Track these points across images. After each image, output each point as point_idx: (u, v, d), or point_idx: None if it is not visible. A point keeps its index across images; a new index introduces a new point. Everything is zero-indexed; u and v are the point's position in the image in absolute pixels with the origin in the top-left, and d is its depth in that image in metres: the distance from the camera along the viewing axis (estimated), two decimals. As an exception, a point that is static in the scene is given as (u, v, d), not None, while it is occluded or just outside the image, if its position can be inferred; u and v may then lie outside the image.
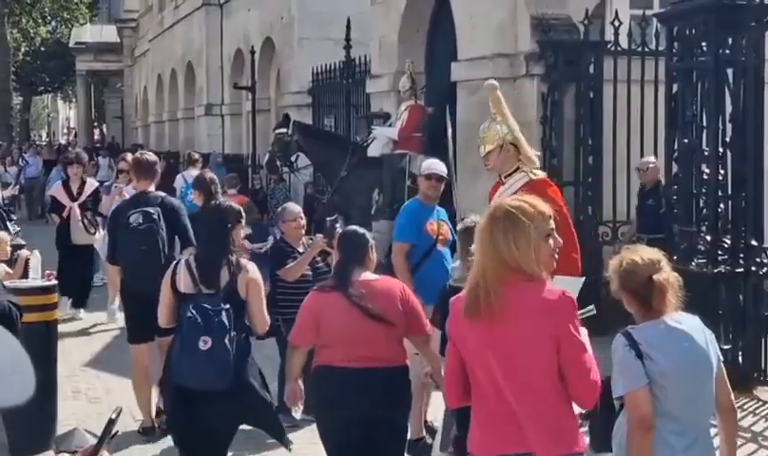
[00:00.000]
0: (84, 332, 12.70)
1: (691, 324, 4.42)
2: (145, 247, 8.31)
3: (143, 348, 8.51)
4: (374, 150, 14.76)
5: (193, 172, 18.62)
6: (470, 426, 4.27)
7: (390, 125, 14.82)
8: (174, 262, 6.27)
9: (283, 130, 15.29)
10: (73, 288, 13.13)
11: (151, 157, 9.20)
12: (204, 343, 5.74)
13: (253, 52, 22.87)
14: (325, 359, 5.80)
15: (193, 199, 10.38)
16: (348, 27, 17.66)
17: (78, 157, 14.24)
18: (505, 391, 4.02)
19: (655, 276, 4.38)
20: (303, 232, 8.79)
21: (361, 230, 6.33)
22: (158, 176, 8.98)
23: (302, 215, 8.78)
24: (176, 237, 8.53)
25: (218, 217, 6.33)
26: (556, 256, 4.21)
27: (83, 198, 13.31)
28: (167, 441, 7.72)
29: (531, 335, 3.98)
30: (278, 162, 15.55)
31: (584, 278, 6.76)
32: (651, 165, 11.81)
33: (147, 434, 8.38)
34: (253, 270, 6.05)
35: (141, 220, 8.38)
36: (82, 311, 13.49)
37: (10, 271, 9.74)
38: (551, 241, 4.12)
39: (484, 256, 4.07)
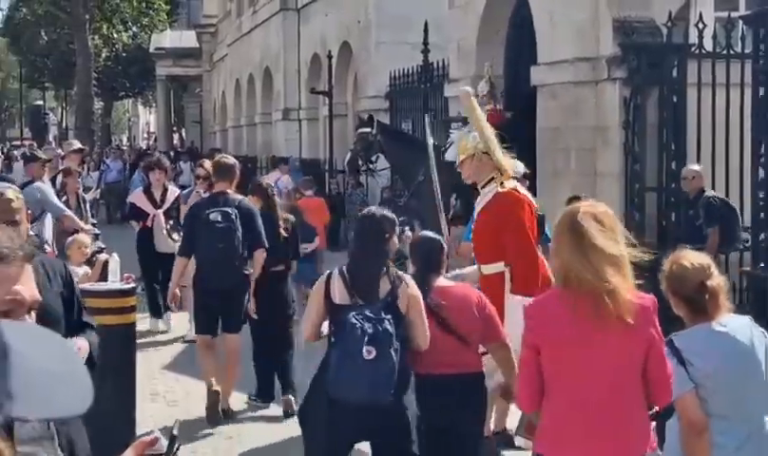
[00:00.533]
0: (163, 335, 12.72)
1: (737, 325, 4.50)
2: (223, 245, 8.75)
3: (210, 340, 9.08)
4: (452, 154, 14.63)
5: (275, 175, 18.64)
6: (542, 425, 4.30)
7: (468, 130, 14.68)
8: (327, 273, 5.82)
9: (367, 130, 15.23)
10: (154, 296, 12.91)
11: (230, 159, 9.71)
12: (368, 352, 5.34)
13: (330, 57, 22.89)
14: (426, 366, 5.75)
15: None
16: (426, 30, 17.55)
17: (159, 162, 13.73)
18: (587, 392, 4.10)
19: (708, 282, 4.43)
20: None
21: (434, 235, 6.28)
22: (236, 178, 9.36)
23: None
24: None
25: (374, 226, 5.85)
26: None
27: (166, 205, 12.74)
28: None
29: (630, 338, 4.08)
30: (360, 162, 15.48)
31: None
32: (695, 174, 11.33)
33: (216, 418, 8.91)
34: (413, 285, 5.67)
35: (219, 219, 8.81)
36: (161, 322, 12.96)
37: (89, 271, 9.83)
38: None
39: (567, 258, 4.13)
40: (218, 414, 8.84)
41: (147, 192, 13.08)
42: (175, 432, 2.08)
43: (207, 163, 11.98)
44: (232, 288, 8.92)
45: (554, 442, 4.22)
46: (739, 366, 4.43)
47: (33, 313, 2.30)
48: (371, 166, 15.60)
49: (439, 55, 17.12)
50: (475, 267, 7.64)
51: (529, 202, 7.25)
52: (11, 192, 5.31)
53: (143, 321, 11.66)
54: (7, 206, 5.12)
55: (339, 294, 5.61)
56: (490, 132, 7.35)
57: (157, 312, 12.98)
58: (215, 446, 8.34)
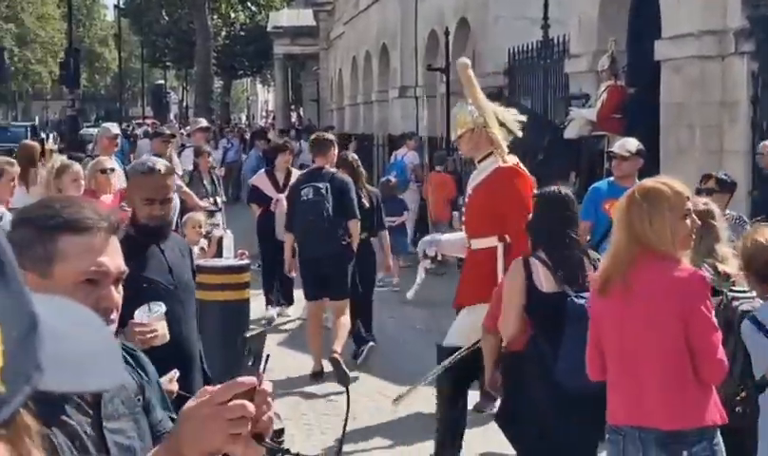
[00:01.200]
0: (280, 313, 12.76)
1: None
2: (312, 218, 9.47)
3: (317, 304, 9.94)
4: (571, 132, 14.42)
5: (402, 151, 18.63)
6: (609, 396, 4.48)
7: (589, 107, 14.44)
8: (521, 260, 5.57)
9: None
10: (271, 286, 12.41)
11: (329, 136, 10.73)
12: None
13: (447, 33, 22.69)
14: (519, 346, 5.60)
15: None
16: (546, 5, 17.27)
17: (286, 145, 13.22)
18: (630, 366, 4.27)
19: None
20: None
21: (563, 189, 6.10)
22: (333, 154, 10.17)
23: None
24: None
25: (566, 207, 5.59)
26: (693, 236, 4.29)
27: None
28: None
29: (658, 313, 4.18)
30: None
31: None
32: None
33: (316, 378, 9.68)
34: None
35: (310, 194, 9.55)
36: (291, 308, 12.65)
37: (205, 246, 9.96)
38: (688, 221, 4.22)
39: (619, 235, 4.30)
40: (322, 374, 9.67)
41: (270, 175, 12.29)
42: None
43: None
44: (327, 257, 9.55)
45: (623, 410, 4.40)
46: None
47: (120, 286, 2.29)
48: None
49: (559, 30, 16.83)
50: (456, 235, 7.52)
51: (530, 180, 7.08)
52: (163, 166, 4.98)
53: (256, 303, 11.55)
54: (162, 182, 4.85)
55: (546, 283, 5.42)
56: (489, 106, 7.13)
57: (272, 301, 12.55)
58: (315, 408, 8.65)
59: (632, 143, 8.88)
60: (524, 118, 7.65)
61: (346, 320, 9.72)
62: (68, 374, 0.97)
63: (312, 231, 9.53)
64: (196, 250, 9.56)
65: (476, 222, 7.07)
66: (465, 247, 7.28)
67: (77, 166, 8.95)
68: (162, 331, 3.94)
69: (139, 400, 2.41)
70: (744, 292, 4.98)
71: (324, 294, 9.86)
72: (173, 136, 13.16)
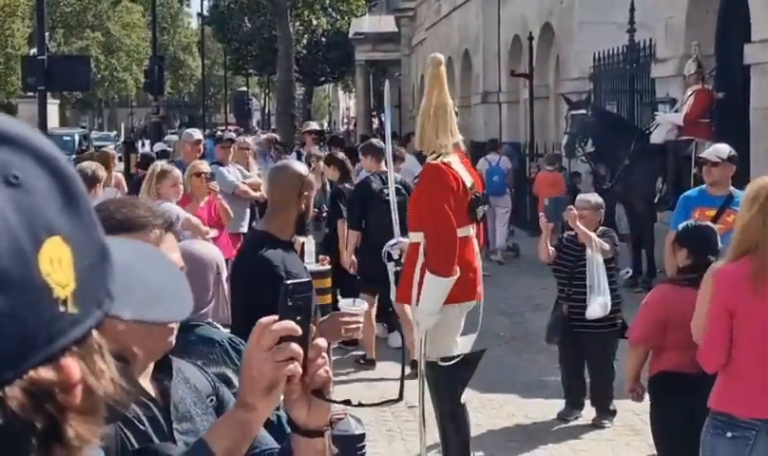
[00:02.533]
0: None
1: None
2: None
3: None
4: (657, 137, 14.26)
5: (494, 157, 18.56)
6: (723, 385, 4.50)
7: (675, 111, 14.26)
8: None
9: (582, 111, 14.96)
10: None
11: (378, 143, 11.06)
12: None
13: (531, 38, 22.57)
14: (673, 364, 5.49)
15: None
16: (632, 9, 17.09)
17: (398, 152, 12.31)
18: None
19: None
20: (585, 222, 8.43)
21: (710, 224, 6.00)
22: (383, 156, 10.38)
23: (593, 207, 8.42)
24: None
25: None
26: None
27: None
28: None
29: None
30: (577, 145, 15.22)
31: (454, 278, 6.39)
32: None
33: (369, 364, 10.15)
34: None
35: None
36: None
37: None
38: None
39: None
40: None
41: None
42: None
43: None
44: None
45: (745, 401, 4.42)
46: None
47: None
48: (585, 148, 15.32)
49: (645, 35, 16.64)
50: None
51: (458, 178, 6.69)
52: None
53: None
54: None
55: None
56: (440, 108, 6.89)
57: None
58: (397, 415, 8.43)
59: (723, 149, 8.73)
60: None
61: None
62: (137, 304, 1.06)
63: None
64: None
65: (411, 216, 7.00)
66: None
67: (177, 171, 9.02)
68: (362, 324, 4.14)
69: (211, 401, 2.44)
70: None
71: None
72: (232, 141, 13.08)
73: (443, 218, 6.56)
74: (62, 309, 0.89)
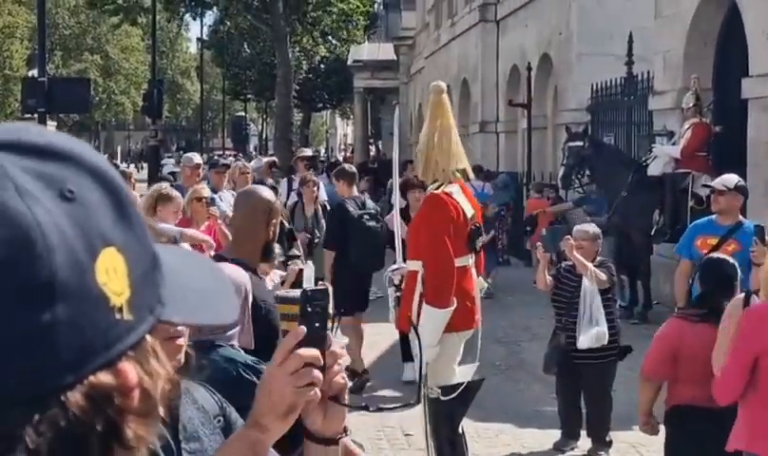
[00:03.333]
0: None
1: None
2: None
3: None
4: (654, 169, 14.32)
5: (477, 183, 18.70)
6: (753, 424, 4.44)
7: (673, 144, 14.34)
8: (743, 296, 5.27)
9: (579, 143, 15.03)
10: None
11: (351, 168, 12.07)
12: None
13: (529, 69, 22.70)
14: (686, 398, 5.52)
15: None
16: (630, 41, 17.19)
17: (417, 181, 12.64)
18: None
19: None
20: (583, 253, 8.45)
21: (730, 259, 6.02)
22: (355, 182, 11.49)
23: (591, 237, 8.44)
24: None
25: None
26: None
27: None
28: None
29: None
30: (573, 176, 15.29)
31: (451, 309, 6.43)
32: None
33: (359, 376, 10.34)
34: None
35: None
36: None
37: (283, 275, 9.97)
38: None
39: None
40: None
41: (404, 215, 11.18)
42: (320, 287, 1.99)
43: None
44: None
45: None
46: None
47: None
48: (582, 180, 15.40)
49: (643, 67, 16.74)
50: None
51: (458, 209, 6.76)
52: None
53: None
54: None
55: None
56: (444, 136, 6.91)
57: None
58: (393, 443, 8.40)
59: (731, 179, 8.80)
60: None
61: None
62: (187, 309, 1.10)
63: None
64: (276, 280, 9.61)
65: (410, 244, 7.04)
66: None
67: (180, 199, 9.03)
68: None
69: (219, 421, 2.44)
70: None
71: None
72: (227, 167, 13.14)
73: (442, 249, 6.61)
74: (118, 316, 0.94)
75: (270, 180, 14.97)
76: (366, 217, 10.81)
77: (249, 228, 5.08)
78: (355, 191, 11.33)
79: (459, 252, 6.66)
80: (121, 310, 0.95)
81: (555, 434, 8.68)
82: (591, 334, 8.07)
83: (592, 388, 8.36)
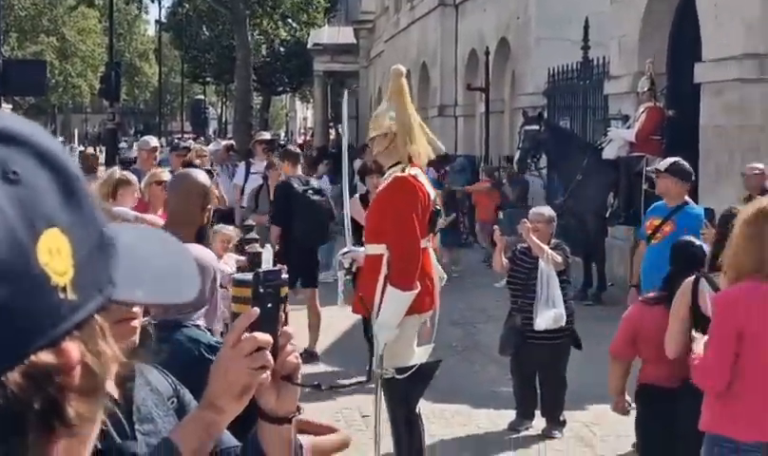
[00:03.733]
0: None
1: None
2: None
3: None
4: (609, 153, 14.45)
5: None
6: (722, 407, 4.42)
7: (628, 127, 14.48)
8: (693, 279, 5.38)
9: (536, 127, 15.14)
10: None
11: (295, 149, 13.54)
12: None
13: (487, 53, 22.80)
14: (651, 377, 5.64)
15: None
16: (586, 26, 17.34)
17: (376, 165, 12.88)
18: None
19: None
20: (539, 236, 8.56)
21: (697, 241, 6.10)
22: (299, 162, 12.31)
23: (546, 219, 8.56)
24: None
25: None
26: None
27: None
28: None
29: None
30: (529, 160, 15.41)
31: (415, 291, 6.49)
32: (757, 171, 10.38)
33: (311, 358, 10.61)
34: None
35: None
36: None
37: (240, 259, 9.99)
38: None
39: None
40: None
41: (364, 200, 11.11)
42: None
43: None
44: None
45: (749, 424, 4.37)
46: None
47: None
48: (536, 164, 15.53)
49: (600, 52, 16.89)
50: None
51: (424, 191, 6.80)
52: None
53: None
54: None
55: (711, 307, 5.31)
56: (411, 118, 6.95)
57: None
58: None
59: (666, 162, 8.94)
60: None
61: None
62: (145, 287, 1.11)
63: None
64: (232, 264, 9.64)
65: (370, 227, 6.99)
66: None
67: (137, 184, 9.00)
68: None
69: (172, 402, 2.46)
70: None
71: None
72: (188, 149, 13.14)
73: (410, 231, 6.64)
74: (61, 296, 0.95)
75: (227, 164, 14.96)
76: (310, 192, 11.43)
77: (183, 211, 5.04)
78: (299, 170, 12.17)
79: (422, 234, 6.73)
80: (65, 289, 0.95)
81: (510, 414, 8.79)
82: (549, 316, 8.18)
83: (546, 368, 8.48)
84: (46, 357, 0.94)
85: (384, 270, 6.68)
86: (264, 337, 1.87)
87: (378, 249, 6.79)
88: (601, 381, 9.78)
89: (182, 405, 2.48)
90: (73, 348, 0.96)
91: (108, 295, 1.02)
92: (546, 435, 8.53)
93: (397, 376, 6.73)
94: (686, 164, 8.88)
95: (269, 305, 1.89)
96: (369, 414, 8.94)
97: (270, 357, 1.87)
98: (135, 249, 1.11)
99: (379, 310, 6.59)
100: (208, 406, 1.95)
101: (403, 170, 6.78)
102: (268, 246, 10.33)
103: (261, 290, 1.90)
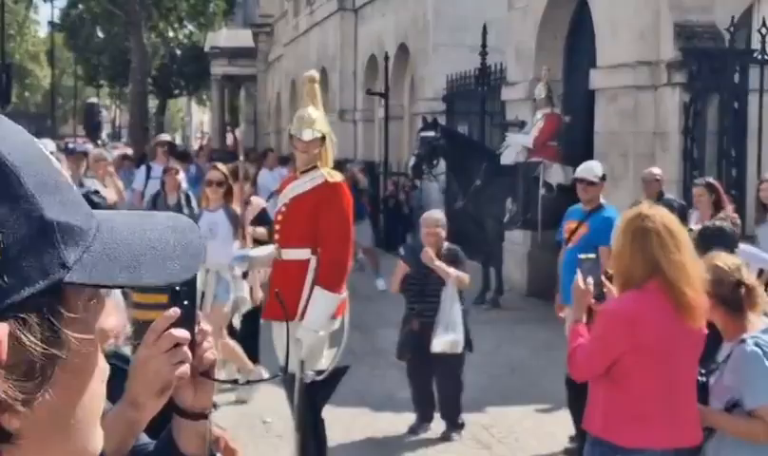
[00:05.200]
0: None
1: None
2: None
3: None
4: (507, 158, 14.61)
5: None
6: (615, 413, 4.45)
7: (525, 133, 14.66)
8: None
9: (431, 133, 15.22)
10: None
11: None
12: None
13: (387, 58, 22.88)
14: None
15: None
16: (484, 33, 17.50)
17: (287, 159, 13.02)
18: (674, 384, 4.36)
19: (745, 280, 4.45)
20: (436, 239, 8.62)
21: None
22: None
23: (441, 224, 8.64)
24: None
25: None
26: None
27: None
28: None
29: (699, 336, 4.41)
30: (424, 166, 15.49)
31: (343, 295, 6.67)
32: (657, 178, 10.70)
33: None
34: None
35: None
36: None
37: None
38: None
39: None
40: None
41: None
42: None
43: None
44: None
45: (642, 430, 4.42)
46: None
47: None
48: (432, 170, 15.61)
49: (497, 58, 17.07)
50: (266, 249, 7.59)
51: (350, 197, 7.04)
52: None
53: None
54: None
55: None
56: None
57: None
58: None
59: (591, 166, 9.08)
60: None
61: None
62: (123, 269, 1.11)
63: None
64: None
65: (293, 232, 6.93)
66: (272, 259, 7.21)
67: None
68: None
69: None
70: None
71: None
72: (85, 154, 12.93)
73: (348, 235, 6.77)
74: None
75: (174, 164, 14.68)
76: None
77: None
78: None
79: None
80: None
81: (410, 418, 8.83)
82: (446, 341, 8.30)
83: (443, 372, 8.55)
84: None
85: (311, 275, 6.69)
86: (182, 333, 1.90)
87: (302, 254, 6.78)
88: (498, 383, 9.93)
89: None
90: (2, 327, 0.98)
91: (56, 279, 1.03)
92: (444, 437, 8.60)
93: (317, 378, 6.73)
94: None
95: (185, 303, 1.92)
96: (269, 420, 8.92)
97: (189, 352, 1.91)
98: (114, 229, 1.13)
99: (303, 314, 6.59)
100: (129, 404, 1.97)
101: (332, 175, 6.84)
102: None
103: (177, 288, 1.92)
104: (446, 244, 8.59)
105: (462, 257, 8.65)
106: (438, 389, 8.68)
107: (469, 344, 8.56)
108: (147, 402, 1.95)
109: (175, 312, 1.91)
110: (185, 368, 1.92)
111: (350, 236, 6.78)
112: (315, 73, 7.35)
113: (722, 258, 4.57)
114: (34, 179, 1.05)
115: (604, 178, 8.95)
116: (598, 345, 4.47)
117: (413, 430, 8.71)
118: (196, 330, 1.94)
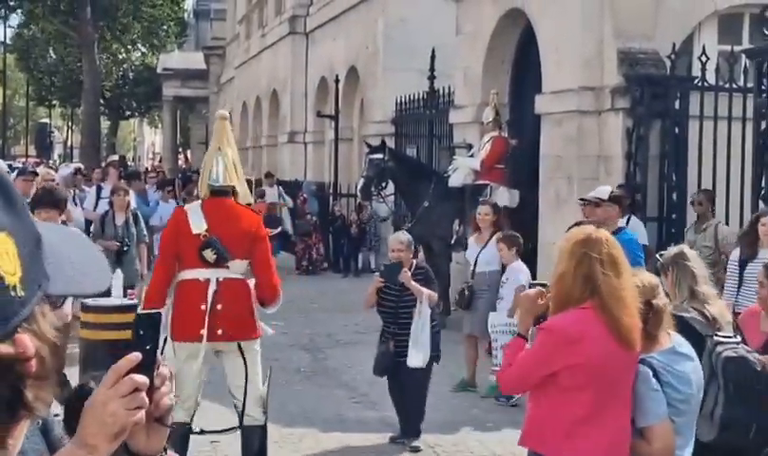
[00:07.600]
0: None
1: (686, 343, 4.61)
2: None
3: None
4: (455, 180, 14.77)
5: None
6: (548, 428, 4.51)
7: (472, 156, 14.83)
8: None
9: (379, 156, 15.36)
10: None
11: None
12: None
13: (337, 81, 23.04)
14: None
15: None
16: (432, 57, 17.70)
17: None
18: (608, 402, 4.40)
19: (654, 301, 4.49)
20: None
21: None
22: None
23: (405, 245, 8.86)
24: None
25: None
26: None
27: None
28: None
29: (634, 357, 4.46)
30: (373, 188, 15.62)
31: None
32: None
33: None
34: None
35: None
36: None
37: None
38: None
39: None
40: None
41: None
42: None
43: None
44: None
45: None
46: (700, 383, 4.61)
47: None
48: (381, 192, 15.75)
49: (445, 82, 17.27)
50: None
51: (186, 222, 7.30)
52: None
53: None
54: None
55: None
56: (208, 158, 7.52)
57: None
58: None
59: (605, 190, 9.32)
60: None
61: None
62: (68, 281, 1.20)
63: None
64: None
65: (240, 250, 7.28)
66: None
67: None
68: None
69: (37, 423, 2.45)
70: (729, 337, 5.17)
71: None
72: (35, 174, 12.94)
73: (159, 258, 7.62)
74: (12, 293, 1.05)
75: (122, 184, 14.73)
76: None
77: None
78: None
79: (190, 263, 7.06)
80: (15, 288, 1.05)
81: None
82: (419, 358, 8.70)
83: (413, 385, 8.85)
84: (6, 349, 1.05)
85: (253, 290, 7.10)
86: (142, 379, 1.87)
87: (242, 267, 7.17)
88: (440, 401, 10.04)
89: (47, 425, 2.48)
90: (27, 339, 1.07)
91: (45, 289, 1.13)
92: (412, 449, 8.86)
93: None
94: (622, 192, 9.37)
95: (148, 347, 1.90)
96: (218, 440, 9.00)
97: (146, 399, 1.88)
98: (56, 245, 1.21)
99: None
100: (82, 445, 1.90)
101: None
102: (118, 271, 10.19)
103: (141, 332, 1.91)
104: (414, 262, 8.87)
105: (431, 276, 8.98)
106: (407, 399, 8.92)
107: (437, 357, 8.95)
108: (100, 444, 1.89)
109: (136, 356, 1.88)
110: (142, 414, 1.89)
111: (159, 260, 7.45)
112: (225, 112, 7.84)
113: (642, 277, 4.66)
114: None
115: (612, 199, 9.22)
116: (534, 359, 4.54)
117: (396, 440, 8.98)
118: (155, 373, 1.93)
